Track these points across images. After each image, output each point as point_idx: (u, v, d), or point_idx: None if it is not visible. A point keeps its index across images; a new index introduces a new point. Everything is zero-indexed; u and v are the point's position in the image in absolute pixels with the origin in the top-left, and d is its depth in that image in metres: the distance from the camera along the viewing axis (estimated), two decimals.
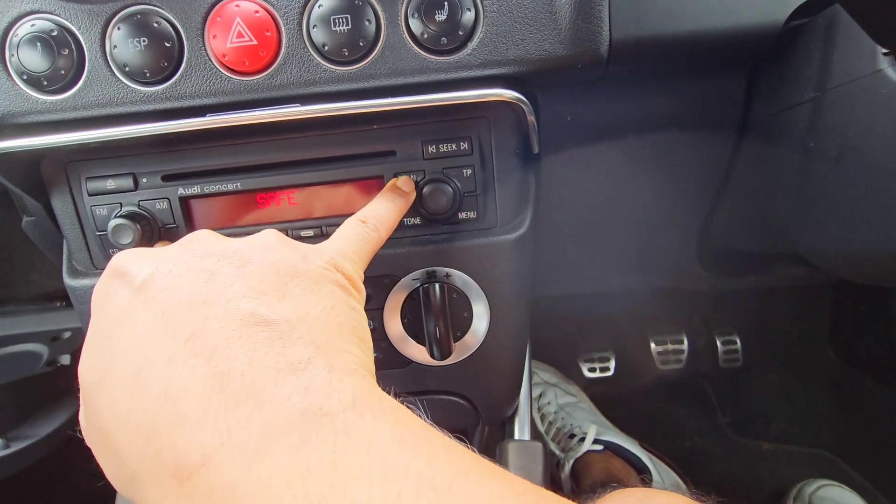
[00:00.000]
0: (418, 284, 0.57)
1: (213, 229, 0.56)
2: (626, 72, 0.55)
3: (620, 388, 1.49)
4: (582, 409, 1.35)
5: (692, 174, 0.74)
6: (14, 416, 0.68)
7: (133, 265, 0.33)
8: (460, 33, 0.47)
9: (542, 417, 1.31)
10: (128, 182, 0.55)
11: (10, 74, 0.47)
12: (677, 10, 0.51)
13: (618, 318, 1.44)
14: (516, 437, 0.65)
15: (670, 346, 1.49)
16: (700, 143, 0.70)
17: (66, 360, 0.75)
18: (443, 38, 0.47)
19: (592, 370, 1.49)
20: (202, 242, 0.36)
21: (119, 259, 0.35)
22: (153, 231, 0.55)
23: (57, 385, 0.75)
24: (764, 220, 0.67)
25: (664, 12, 0.51)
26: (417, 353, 0.60)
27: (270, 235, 0.38)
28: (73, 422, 0.72)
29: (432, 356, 0.57)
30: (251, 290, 0.31)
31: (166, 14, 0.47)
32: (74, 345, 0.79)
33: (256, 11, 0.47)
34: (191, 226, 0.57)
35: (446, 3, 0.46)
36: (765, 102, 0.60)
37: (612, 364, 1.49)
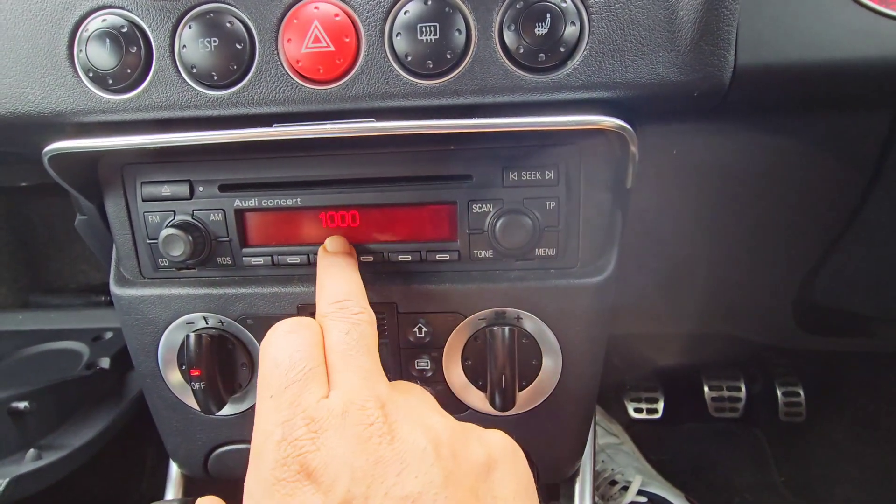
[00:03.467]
0: (484, 325, 0.52)
1: (266, 245, 0.52)
2: (744, 103, 0.48)
3: (667, 432, 1.39)
4: (624, 452, 1.26)
5: (801, 222, 0.65)
6: (48, 423, 0.66)
7: (323, 463, 0.31)
8: (561, 50, 0.42)
9: None
10: (183, 189, 0.52)
11: (76, 71, 0.45)
12: (820, 34, 0.44)
13: (670, 357, 1.34)
14: (577, 503, 0.58)
15: (726, 393, 1.38)
16: (817, 189, 0.61)
17: (105, 363, 0.74)
18: (541, 55, 0.42)
19: (639, 410, 1.39)
20: (396, 445, 0.32)
21: (300, 446, 0.31)
22: (205, 243, 0.52)
23: (94, 390, 0.73)
24: (886, 281, 0.58)
25: (803, 36, 0.44)
26: (477, 400, 0.54)
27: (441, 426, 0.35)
28: (108, 432, 0.70)
29: (493, 405, 0.52)
30: None
31: (240, 13, 0.43)
32: (115, 347, 0.77)
33: (336, 15, 0.42)
34: (244, 241, 0.53)
35: (548, 15, 0.41)
36: None
37: (660, 405, 1.39)
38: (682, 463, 1.30)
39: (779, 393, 1.35)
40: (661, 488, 1.14)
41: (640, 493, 1.12)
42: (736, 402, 1.38)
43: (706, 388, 1.38)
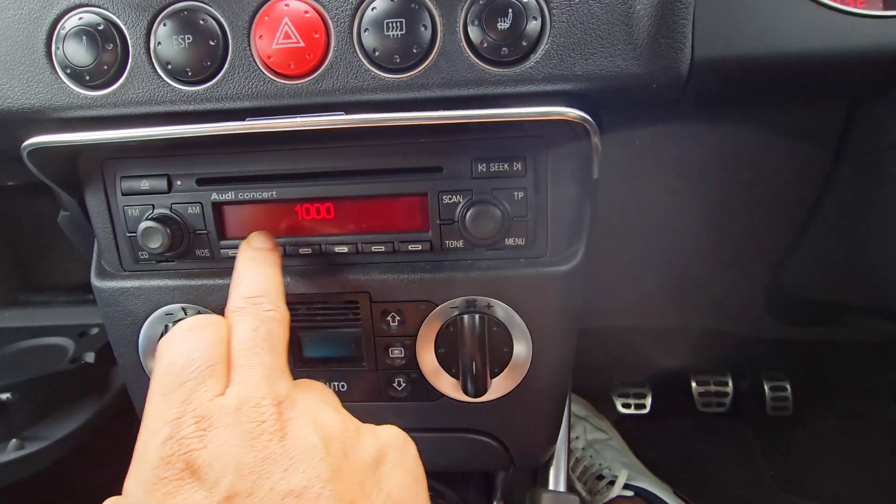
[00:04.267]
0: (456, 314, 0.53)
1: (243, 237, 0.53)
2: (704, 94, 0.50)
3: (655, 427, 1.40)
4: (612, 447, 1.27)
5: (767, 213, 0.66)
6: (32, 415, 0.67)
7: (209, 461, 0.30)
8: (524, 44, 0.43)
9: (569, 454, 1.23)
10: (162, 183, 0.53)
11: (54, 67, 0.46)
12: (774, 28, 0.45)
13: (657, 352, 1.35)
14: (551, 486, 0.59)
15: (713, 388, 1.39)
16: (780, 179, 0.63)
17: (90, 357, 0.74)
18: (504, 49, 0.43)
19: (627, 406, 1.40)
20: (286, 442, 0.32)
21: (186, 444, 0.31)
22: (183, 236, 0.53)
23: (79, 384, 0.74)
24: (852, 268, 0.59)
25: (758, 29, 0.45)
26: (450, 387, 0.55)
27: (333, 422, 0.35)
28: (91, 423, 0.71)
29: (466, 392, 0.53)
30: None
31: (213, 11, 0.45)
32: (100, 342, 0.78)
33: (306, 12, 0.44)
34: (222, 233, 0.54)
35: (510, 10, 0.42)
36: (868, 138, 0.53)
37: (648, 401, 1.40)
38: (671, 458, 1.31)
39: (766, 387, 1.35)
40: (648, 482, 1.14)
41: (627, 486, 1.12)
42: (723, 396, 1.39)
43: (693, 383, 1.38)
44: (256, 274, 0.43)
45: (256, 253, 0.46)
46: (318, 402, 0.37)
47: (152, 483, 0.30)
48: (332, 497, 0.31)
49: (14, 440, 0.63)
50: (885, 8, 0.46)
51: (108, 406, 0.73)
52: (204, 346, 0.35)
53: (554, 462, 0.61)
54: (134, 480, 0.32)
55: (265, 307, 0.40)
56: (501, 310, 0.53)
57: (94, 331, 0.81)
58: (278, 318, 0.40)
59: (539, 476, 0.62)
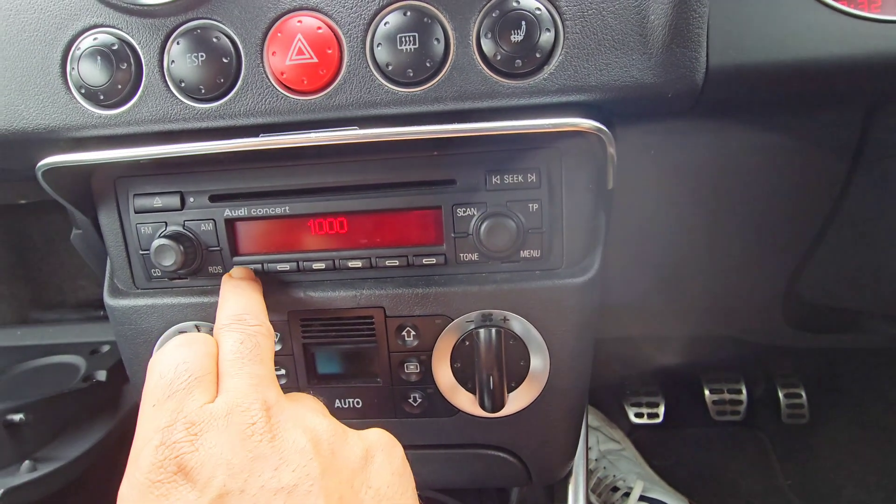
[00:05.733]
0: (472, 328, 0.52)
1: (256, 254, 0.53)
2: (719, 103, 0.49)
3: (668, 437, 1.38)
4: (626, 458, 1.25)
5: (783, 219, 0.65)
6: (44, 435, 0.67)
7: (200, 462, 0.31)
8: (537, 56, 0.43)
9: None
10: (175, 201, 0.53)
11: (69, 88, 0.47)
12: (789, 35, 0.45)
13: (670, 360, 1.33)
14: (570, 503, 0.58)
15: (727, 396, 1.37)
16: (796, 186, 0.62)
17: (101, 376, 0.74)
18: (517, 61, 0.43)
19: (640, 415, 1.38)
20: (275, 443, 0.33)
21: (178, 448, 0.32)
22: (196, 253, 0.53)
23: (91, 402, 0.73)
24: (869, 275, 0.58)
25: (772, 37, 0.45)
26: (466, 402, 0.55)
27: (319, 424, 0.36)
28: (104, 443, 0.70)
29: (483, 407, 0.52)
30: None
31: (226, 29, 0.45)
32: (112, 360, 0.78)
33: (319, 28, 0.44)
34: (234, 249, 0.54)
35: (523, 22, 0.42)
36: (884, 144, 0.52)
37: (661, 410, 1.38)
38: (686, 468, 1.29)
39: (780, 395, 1.33)
40: (663, 494, 1.12)
41: (642, 498, 1.11)
42: (737, 404, 1.37)
43: (707, 391, 1.36)
44: (238, 297, 0.45)
45: (238, 281, 0.48)
46: (306, 409, 0.38)
47: (146, 487, 0.31)
48: (321, 494, 0.31)
49: (27, 462, 0.63)
50: None
51: (120, 424, 0.73)
52: (192, 359, 0.37)
53: (573, 478, 0.60)
54: (128, 486, 0.32)
55: (250, 322, 0.41)
56: (518, 323, 0.52)
57: (106, 348, 0.81)
58: (264, 333, 0.41)
59: (557, 492, 0.61)
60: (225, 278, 0.49)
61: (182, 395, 0.34)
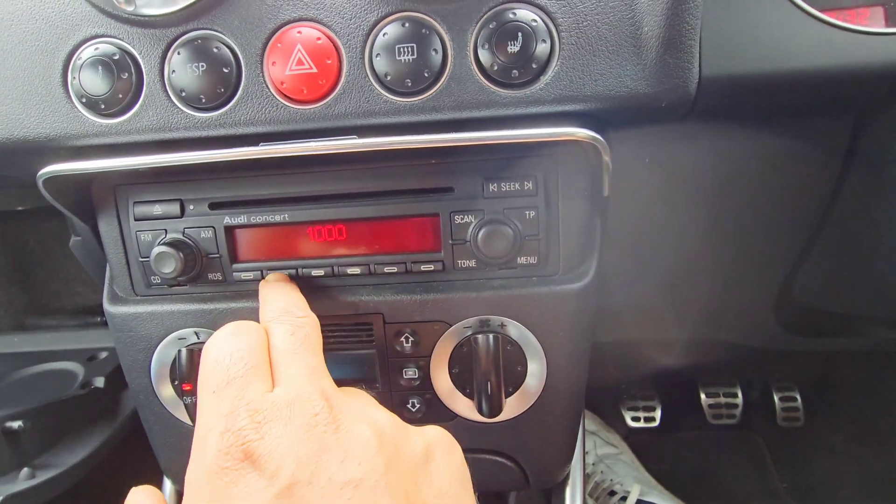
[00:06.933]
0: (470, 333, 0.53)
1: (255, 261, 0.54)
2: (712, 112, 0.50)
3: (665, 440, 1.38)
4: (623, 462, 1.26)
5: (776, 223, 0.66)
6: (43, 442, 0.66)
7: (267, 451, 0.31)
8: (533, 66, 0.44)
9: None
10: (174, 208, 0.53)
11: (70, 97, 0.47)
12: (779, 46, 0.46)
13: (666, 364, 1.34)
14: None
15: (723, 399, 1.38)
16: (789, 190, 0.63)
17: (100, 382, 0.74)
18: (514, 71, 0.44)
19: (636, 419, 1.39)
20: (339, 435, 0.33)
21: (243, 435, 0.32)
22: (196, 260, 0.53)
23: (89, 409, 0.73)
24: (862, 279, 0.59)
25: (763, 48, 0.46)
26: (464, 407, 0.55)
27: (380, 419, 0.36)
28: (102, 449, 0.70)
29: (481, 412, 0.52)
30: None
31: (227, 39, 0.45)
32: (110, 366, 0.78)
33: (318, 38, 0.44)
34: (234, 257, 0.54)
35: (520, 34, 0.43)
36: (873, 151, 0.54)
37: (657, 414, 1.39)
38: (683, 471, 1.29)
39: (776, 398, 1.34)
40: (660, 497, 1.13)
41: (639, 502, 1.11)
42: (733, 408, 1.37)
43: (703, 395, 1.37)
44: (280, 293, 0.46)
45: (275, 282, 0.49)
46: (363, 401, 0.38)
47: (214, 473, 0.31)
48: (387, 490, 0.31)
49: (26, 469, 0.63)
50: (887, 25, 0.47)
51: (118, 431, 0.72)
52: (246, 348, 0.37)
53: (570, 481, 0.61)
54: (196, 472, 0.33)
55: (298, 314, 0.42)
56: (515, 329, 0.53)
57: (103, 355, 0.81)
58: (312, 324, 0.42)
59: (554, 496, 0.61)
60: (262, 283, 0.50)
61: (241, 383, 0.35)
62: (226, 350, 0.37)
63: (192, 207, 0.53)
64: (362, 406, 0.37)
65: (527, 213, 0.51)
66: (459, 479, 0.37)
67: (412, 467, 0.34)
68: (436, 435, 0.38)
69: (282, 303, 0.44)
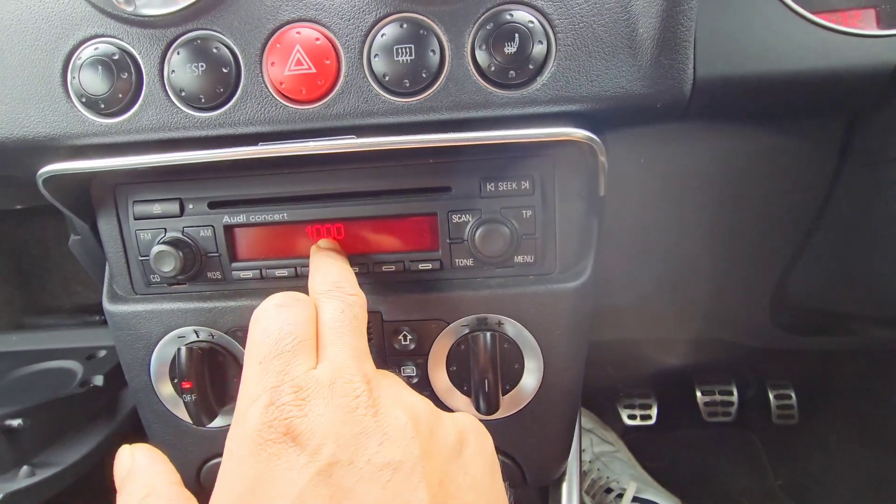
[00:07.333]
0: (467, 331, 0.53)
1: (254, 259, 0.54)
2: (706, 112, 0.51)
3: (661, 438, 1.39)
4: (620, 460, 1.26)
5: (771, 223, 0.67)
6: (42, 440, 0.67)
7: (309, 429, 0.32)
8: (530, 67, 0.44)
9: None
10: (174, 207, 0.53)
11: (69, 97, 0.47)
12: (772, 48, 0.47)
13: (662, 363, 1.35)
14: (564, 503, 0.59)
15: (718, 397, 1.39)
16: (784, 190, 0.63)
17: (99, 380, 0.74)
18: (511, 72, 0.44)
19: (633, 417, 1.40)
20: (378, 419, 0.33)
21: (287, 411, 0.32)
22: (195, 259, 0.53)
23: (88, 407, 0.74)
24: (857, 278, 0.60)
25: (757, 50, 0.47)
26: (462, 405, 0.56)
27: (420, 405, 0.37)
28: (102, 447, 0.70)
29: (478, 410, 0.53)
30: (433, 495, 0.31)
31: (226, 39, 0.46)
32: (109, 365, 0.78)
33: (317, 39, 0.45)
34: (233, 255, 0.54)
35: (517, 35, 0.43)
36: (867, 151, 0.54)
37: (654, 412, 1.40)
38: (678, 469, 1.30)
39: (771, 396, 1.35)
40: (656, 495, 1.14)
41: (636, 500, 1.12)
42: (728, 406, 1.38)
43: (699, 393, 1.38)
44: (334, 264, 0.45)
45: (328, 251, 0.49)
46: (400, 385, 0.38)
47: (256, 444, 0.32)
48: (423, 475, 0.32)
49: (25, 467, 0.63)
50: (879, 27, 0.48)
51: (118, 429, 0.73)
52: (295, 322, 0.37)
53: (566, 478, 0.61)
54: (237, 441, 0.33)
55: (349, 291, 0.42)
56: (512, 327, 0.53)
57: (102, 353, 0.81)
58: (360, 304, 0.42)
59: (550, 493, 0.62)
60: (314, 249, 0.50)
61: (288, 357, 0.35)
62: (276, 322, 0.37)
63: (191, 206, 0.54)
64: (399, 390, 0.37)
65: (524, 212, 0.51)
66: (490, 468, 0.37)
67: (446, 454, 0.35)
68: (467, 422, 0.39)
69: (333, 276, 0.43)
